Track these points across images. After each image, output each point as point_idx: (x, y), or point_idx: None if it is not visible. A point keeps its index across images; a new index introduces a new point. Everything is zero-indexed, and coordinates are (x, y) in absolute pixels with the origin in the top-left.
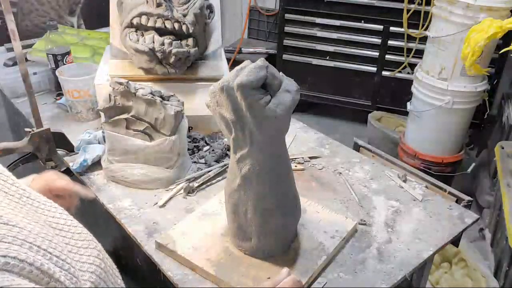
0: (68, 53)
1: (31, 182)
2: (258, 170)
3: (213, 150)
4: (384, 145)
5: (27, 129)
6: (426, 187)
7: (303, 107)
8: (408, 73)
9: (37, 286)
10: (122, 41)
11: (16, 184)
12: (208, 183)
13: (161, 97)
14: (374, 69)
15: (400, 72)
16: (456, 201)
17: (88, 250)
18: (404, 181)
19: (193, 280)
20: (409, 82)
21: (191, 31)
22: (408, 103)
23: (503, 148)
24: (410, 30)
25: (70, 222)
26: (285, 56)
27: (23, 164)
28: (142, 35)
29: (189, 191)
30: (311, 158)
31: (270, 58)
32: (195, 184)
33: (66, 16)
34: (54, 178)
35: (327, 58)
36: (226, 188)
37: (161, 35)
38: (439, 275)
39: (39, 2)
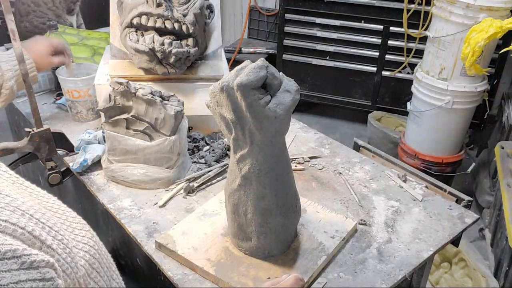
0: None
1: (31, 43)
2: (258, 170)
3: (213, 150)
4: (384, 145)
5: (27, 129)
6: (426, 187)
7: (303, 107)
8: (408, 73)
9: (29, 248)
10: (122, 41)
11: (9, 172)
12: (208, 183)
13: (161, 97)
14: (374, 69)
15: (400, 72)
16: (456, 201)
17: (82, 231)
18: (404, 181)
19: (193, 280)
20: (409, 82)
21: (191, 31)
22: (408, 103)
23: (503, 148)
24: (410, 30)
25: (64, 207)
26: (285, 56)
27: (23, 164)
28: (142, 35)
29: (189, 191)
30: (311, 158)
31: (270, 58)
32: (195, 184)
33: (64, 16)
34: (50, 39)
35: (327, 58)
36: (226, 188)
37: (161, 35)
38: (439, 275)
39: (36, 4)
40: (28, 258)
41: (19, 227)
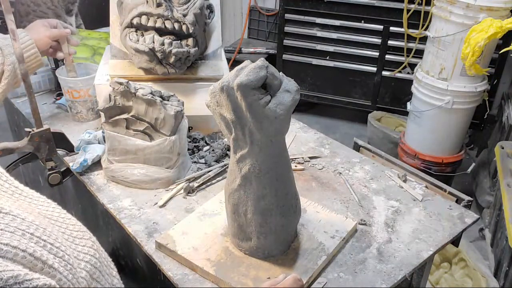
0: None
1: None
2: (258, 170)
3: (213, 150)
4: (384, 145)
5: (27, 129)
6: (426, 187)
7: (303, 107)
8: (408, 73)
9: (30, 272)
10: (122, 41)
11: (9, 181)
12: (208, 183)
13: (161, 97)
14: (374, 69)
15: (400, 72)
16: (456, 201)
17: (83, 240)
18: (404, 181)
19: (193, 280)
20: (409, 82)
21: (191, 31)
22: (408, 103)
23: (503, 148)
24: (410, 30)
25: (64, 215)
26: (285, 56)
27: (23, 164)
28: (142, 35)
29: (189, 191)
30: (311, 158)
31: (270, 58)
32: (195, 184)
33: (64, 16)
34: (45, 19)
35: (327, 58)
36: (226, 188)
37: (161, 35)
38: (439, 275)
39: (35, 4)
40: (30, 284)
41: (20, 250)
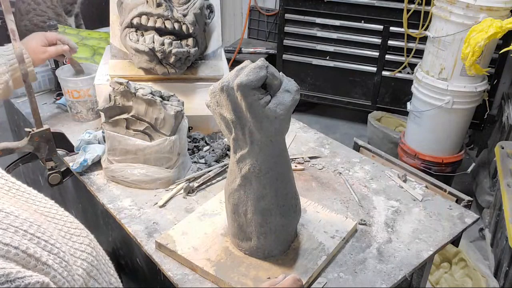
0: None
1: (26, 39)
2: (258, 170)
3: (213, 150)
4: (384, 145)
5: (27, 129)
6: (426, 187)
7: (303, 107)
8: (408, 73)
9: (23, 269)
10: (122, 41)
11: (5, 177)
12: (208, 183)
13: (161, 97)
14: (374, 69)
15: (400, 72)
16: (456, 201)
17: (80, 238)
18: (404, 181)
19: (193, 280)
20: (409, 82)
21: (191, 31)
22: (408, 103)
23: (503, 148)
24: (410, 30)
25: (61, 212)
26: (285, 56)
27: (23, 164)
28: (142, 35)
29: (189, 191)
30: (311, 158)
31: (270, 58)
32: (195, 184)
33: (64, 15)
34: (44, 33)
35: (327, 58)
36: (226, 188)
37: (161, 35)
38: (439, 275)
39: (36, 2)
40: (22, 281)
41: (13, 247)
